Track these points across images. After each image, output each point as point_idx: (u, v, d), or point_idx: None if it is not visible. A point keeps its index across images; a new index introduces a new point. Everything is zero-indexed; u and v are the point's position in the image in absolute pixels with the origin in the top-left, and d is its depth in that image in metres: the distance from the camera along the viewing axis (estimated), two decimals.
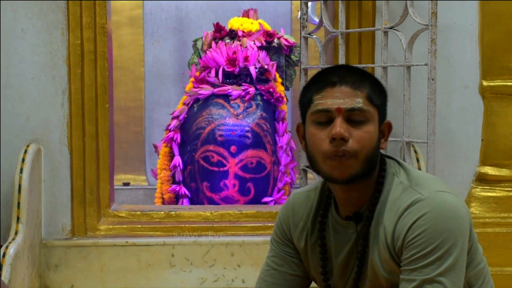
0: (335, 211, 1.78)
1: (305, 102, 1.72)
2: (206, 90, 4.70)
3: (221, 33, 5.02)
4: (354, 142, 1.64)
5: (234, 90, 4.67)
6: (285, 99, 4.91)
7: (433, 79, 3.00)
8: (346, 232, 1.75)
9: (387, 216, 1.68)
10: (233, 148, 4.57)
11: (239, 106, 4.65)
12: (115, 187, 3.77)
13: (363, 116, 1.66)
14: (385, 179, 1.72)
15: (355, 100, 1.66)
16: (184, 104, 4.80)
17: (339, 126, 1.64)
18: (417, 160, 3.34)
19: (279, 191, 4.76)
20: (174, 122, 4.77)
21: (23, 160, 3.28)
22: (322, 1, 3.36)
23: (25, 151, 3.32)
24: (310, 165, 1.72)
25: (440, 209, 1.63)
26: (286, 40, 5.16)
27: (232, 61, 4.71)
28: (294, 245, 1.87)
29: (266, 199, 4.67)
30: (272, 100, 4.79)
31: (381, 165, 1.74)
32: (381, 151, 1.75)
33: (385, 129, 1.74)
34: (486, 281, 1.79)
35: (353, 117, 1.66)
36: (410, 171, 1.74)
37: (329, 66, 2.69)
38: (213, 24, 5.13)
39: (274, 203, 4.65)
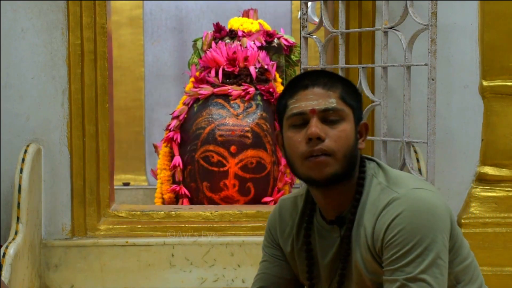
0: (320, 216, 1.79)
1: (280, 109, 1.74)
2: (206, 90, 4.69)
3: (221, 33, 5.02)
4: (330, 141, 1.65)
5: (234, 90, 4.66)
6: None
7: (433, 79, 3.00)
8: (331, 236, 1.76)
9: (367, 217, 1.69)
10: (233, 148, 4.56)
11: (239, 106, 4.65)
12: (115, 187, 3.77)
13: (338, 116, 1.68)
14: (365, 181, 1.73)
15: (328, 100, 1.68)
16: (184, 104, 4.79)
17: (314, 126, 1.65)
18: (417, 160, 3.34)
19: (279, 191, 4.76)
20: (174, 122, 4.77)
21: (23, 160, 3.28)
22: (322, 1, 3.36)
23: (25, 151, 3.32)
24: (291, 170, 1.73)
25: (416, 206, 1.63)
26: (286, 40, 5.16)
27: (232, 61, 4.71)
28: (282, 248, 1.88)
29: (266, 199, 4.67)
30: (272, 100, 4.78)
31: (360, 167, 1.74)
32: (371, 156, 1.76)
33: (362, 129, 1.75)
34: (475, 277, 1.78)
35: (327, 117, 1.67)
36: (388, 171, 1.74)
37: (328, 66, 2.70)
38: (213, 24, 5.13)
39: (274, 203, 4.65)
